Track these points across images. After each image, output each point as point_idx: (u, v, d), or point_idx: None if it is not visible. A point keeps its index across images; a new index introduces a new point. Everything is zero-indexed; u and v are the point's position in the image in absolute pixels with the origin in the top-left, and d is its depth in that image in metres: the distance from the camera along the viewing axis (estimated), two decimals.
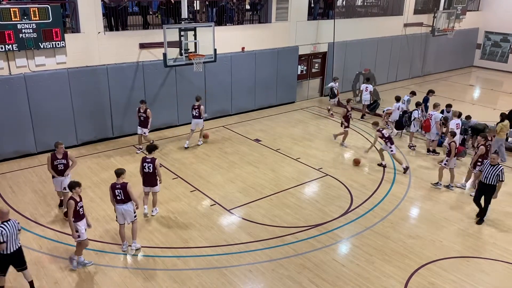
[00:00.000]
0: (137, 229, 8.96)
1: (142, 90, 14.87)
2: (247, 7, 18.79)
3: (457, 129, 13.32)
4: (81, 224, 8.09)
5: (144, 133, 13.42)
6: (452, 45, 26.41)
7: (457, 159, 12.50)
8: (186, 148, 14.06)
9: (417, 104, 15.09)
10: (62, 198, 10.02)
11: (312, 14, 19.87)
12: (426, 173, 12.81)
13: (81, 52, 13.37)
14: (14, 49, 11.94)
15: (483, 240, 9.59)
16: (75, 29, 13.48)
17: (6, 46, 11.77)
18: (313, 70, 20.60)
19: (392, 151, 12.78)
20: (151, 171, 9.61)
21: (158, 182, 9.84)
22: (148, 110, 13.25)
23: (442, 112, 14.85)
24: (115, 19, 14.24)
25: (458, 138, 13.32)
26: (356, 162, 13.19)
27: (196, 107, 13.91)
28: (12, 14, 11.64)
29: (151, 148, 9.83)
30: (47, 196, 10.84)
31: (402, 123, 15.61)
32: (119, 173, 8.39)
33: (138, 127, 13.45)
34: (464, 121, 14.51)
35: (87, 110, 13.83)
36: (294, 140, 15.24)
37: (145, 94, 14.92)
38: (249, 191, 11.45)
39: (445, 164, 11.76)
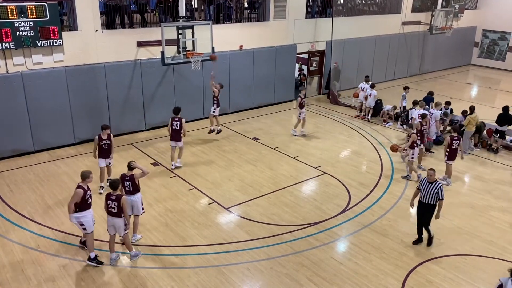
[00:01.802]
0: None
1: (140, 89, 14.85)
2: (245, 5, 18.77)
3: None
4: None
5: (109, 163, 10.96)
6: (450, 43, 26.43)
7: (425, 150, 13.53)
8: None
9: (414, 103, 15.07)
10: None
11: (310, 12, 19.86)
12: (424, 172, 12.81)
13: (79, 50, 13.33)
14: (11, 47, 11.89)
15: (481, 238, 9.61)
16: (73, 27, 13.45)
17: (3, 44, 11.72)
18: (311, 69, 20.62)
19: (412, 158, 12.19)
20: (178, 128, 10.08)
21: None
22: (111, 136, 10.82)
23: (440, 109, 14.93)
24: (120, 16, 14.20)
25: (434, 130, 14.07)
26: (394, 149, 12.35)
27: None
28: (9, 12, 11.58)
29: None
30: (44, 195, 10.82)
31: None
32: (131, 167, 8.65)
33: (101, 159, 10.77)
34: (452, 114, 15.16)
35: (85, 108, 13.79)
36: (292, 138, 15.23)
37: (142, 92, 14.91)
38: (247, 189, 11.45)
39: (411, 157, 12.06)
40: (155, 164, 12.76)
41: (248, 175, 12.26)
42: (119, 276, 8.03)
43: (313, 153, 13.95)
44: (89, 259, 8.27)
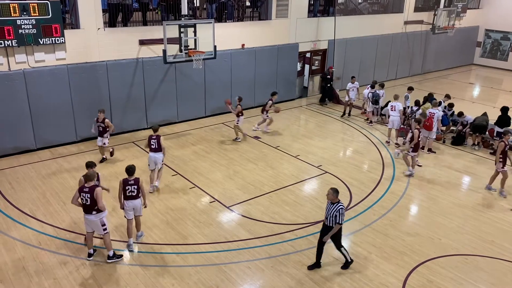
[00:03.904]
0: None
1: (142, 87, 14.86)
2: (247, 3, 18.75)
3: (392, 110, 14.66)
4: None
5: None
6: (452, 43, 26.40)
7: (403, 138, 14.27)
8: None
9: (417, 103, 15.08)
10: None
11: (312, 11, 19.83)
12: (425, 171, 12.82)
13: (81, 48, 13.34)
14: (14, 45, 11.91)
15: (482, 238, 9.60)
16: (75, 25, 13.46)
17: (6, 42, 11.74)
18: (313, 68, 20.59)
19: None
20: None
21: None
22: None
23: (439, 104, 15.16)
24: (122, 14, 14.21)
25: (397, 119, 14.71)
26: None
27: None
28: (11, 10, 11.60)
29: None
30: (46, 192, 10.84)
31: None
32: (156, 128, 10.66)
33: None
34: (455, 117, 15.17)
35: (87, 106, 13.80)
36: (294, 137, 15.24)
37: (144, 91, 14.92)
38: (248, 188, 11.46)
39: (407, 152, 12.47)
40: None
41: (249, 174, 12.27)
42: (120, 274, 8.04)
43: (314, 152, 13.95)
44: (109, 257, 8.31)
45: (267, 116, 15.42)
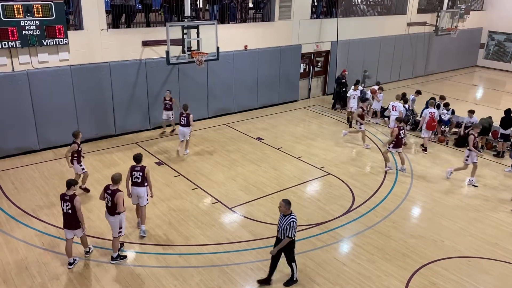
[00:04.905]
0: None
1: (145, 88, 14.89)
2: (250, 5, 18.77)
3: (393, 110, 14.92)
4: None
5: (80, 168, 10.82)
6: (456, 44, 26.34)
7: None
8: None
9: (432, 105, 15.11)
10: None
11: (315, 13, 19.84)
12: (428, 173, 12.79)
13: (84, 49, 13.38)
14: (17, 46, 11.95)
15: (485, 240, 9.57)
16: (78, 26, 13.50)
17: (10, 43, 11.78)
18: (316, 69, 20.59)
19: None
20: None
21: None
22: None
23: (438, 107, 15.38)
24: (126, 16, 14.24)
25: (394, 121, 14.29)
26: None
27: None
28: (15, 11, 11.65)
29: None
30: (49, 193, 10.86)
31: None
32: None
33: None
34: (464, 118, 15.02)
35: (90, 107, 13.84)
36: (296, 138, 15.23)
37: (147, 92, 14.95)
38: (250, 189, 11.45)
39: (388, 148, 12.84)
40: (159, 163, 12.78)
41: (251, 175, 12.26)
42: (122, 275, 8.05)
43: (317, 153, 13.94)
44: (112, 258, 8.37)
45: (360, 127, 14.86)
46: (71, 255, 8.20)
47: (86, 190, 10.89)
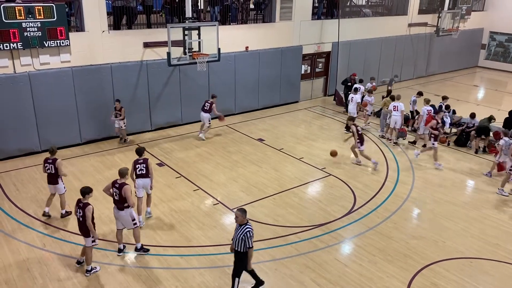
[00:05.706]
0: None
1: (146, 89, 14.91)
2: (251, 6, 18.78)
3: (395, 110, 14.83)
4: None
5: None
6: (457, 45, 26.32)
7: (402, 138, 15.35)
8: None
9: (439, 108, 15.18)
10: None
11: (316, 14, 19.84)
12: (429, 174, 12.78)
13: (86, 51, 13.41)
14: (19, 47, 11.98)
15: (487, 241, 9.55)
16: (80, 27, 13.53)
17: (11, 44, 11.81)
18: (317, 70, 20.59)
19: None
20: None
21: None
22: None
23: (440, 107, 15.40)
24: (127, 17, 14.26)
25: (399, 119, 14.79)
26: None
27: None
28: (17, 13, 11.68)
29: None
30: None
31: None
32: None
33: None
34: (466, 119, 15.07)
35: (91, 108, 13.86)
36: (298, 139, 15.23)
37: (148, 93, 14.97)
38: (252, 190, 11.46)
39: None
40: (160, 164, 12.79)
41: (253, 176, 12.27)
42: (124, 276, 8.05)
43: (318, 154, 13.94)
44: (136, 249, 8.62)
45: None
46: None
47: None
